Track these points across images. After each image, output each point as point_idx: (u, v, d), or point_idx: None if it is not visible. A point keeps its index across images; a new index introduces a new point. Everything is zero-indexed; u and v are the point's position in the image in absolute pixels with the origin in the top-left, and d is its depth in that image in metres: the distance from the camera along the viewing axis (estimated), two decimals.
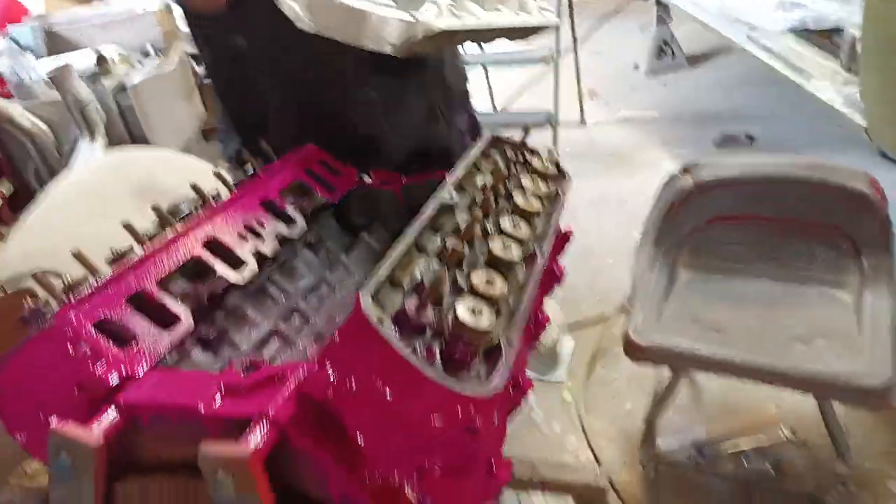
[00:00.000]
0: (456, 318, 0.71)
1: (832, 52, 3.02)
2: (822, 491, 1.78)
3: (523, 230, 0.92)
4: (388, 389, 0.70)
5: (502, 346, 0.77)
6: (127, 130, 3.48)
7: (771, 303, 1.90)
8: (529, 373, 2.75)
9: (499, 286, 0.77)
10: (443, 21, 1.01)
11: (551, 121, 3.98)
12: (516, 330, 0.82)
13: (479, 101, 4.97)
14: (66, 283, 0.87)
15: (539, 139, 1.21)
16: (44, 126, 3.31)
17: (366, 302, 0.71)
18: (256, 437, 0.66)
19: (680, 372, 1.88)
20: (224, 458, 0.64)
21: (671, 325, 1.86)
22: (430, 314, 0.76)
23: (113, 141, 3.41)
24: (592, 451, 2.22)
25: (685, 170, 2.03)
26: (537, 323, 1.04)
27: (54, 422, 0.74)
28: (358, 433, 0.72)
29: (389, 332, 0.69)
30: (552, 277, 1.17)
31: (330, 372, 0.72)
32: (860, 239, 1.89)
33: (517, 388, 0.88)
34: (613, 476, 2.01)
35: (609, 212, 3.58)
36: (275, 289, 1.10)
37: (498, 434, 0.84)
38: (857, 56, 2.72)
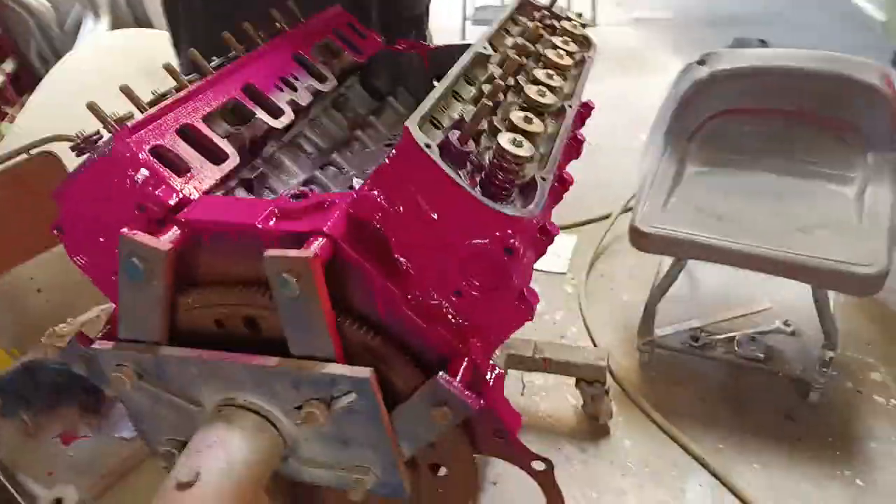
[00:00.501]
0: (499, 145, 0.75)
1: None
2: (808, 375, 1.88)
3: (556, 80, 0.95)
4: (433, 210, 0.75)
5: (537, 181, 0.81)
6: (130, 9, 3.39)
7: (775, 195, 1.95)
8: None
9: (537, 124, 0.81)
10: None
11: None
12: (550, 170, 0.87)
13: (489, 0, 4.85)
14: (115, 115, 0.90)
15: None
16: (45, 1, 3.22)
17: (414, 129, 0.75)
18: (316, 245, 0.72)
19: (680, 260, 1.94)
20: (289, 258, 0.70)
21: (675, 215, 1.91)
22: (471, 147, 0.80)
23: (116, 21, 3.33)
24: (591, 338, 2.32)
25: (701, 60, 2.03)
26: (562, 181, 1.08)
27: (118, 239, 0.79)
28: (403, 253, 0.78)
29: (436, 155, 0.74)
30: (577, 144, 1.21)
31: (378, 195, 0.76)
32: (869, 133, 1.92)
33: (545, 234, 0.93)
34: (611, 361, 2.12)
35: (617, 113, 3.57)
36: (307, 142, 1.14)
37: (527, 272, 0.90)
38: None
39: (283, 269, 0.71)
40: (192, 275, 0.84)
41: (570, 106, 1.01)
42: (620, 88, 3.81)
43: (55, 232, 0.90)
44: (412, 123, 0.76)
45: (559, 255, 2.80)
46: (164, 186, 0.82)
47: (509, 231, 0.74)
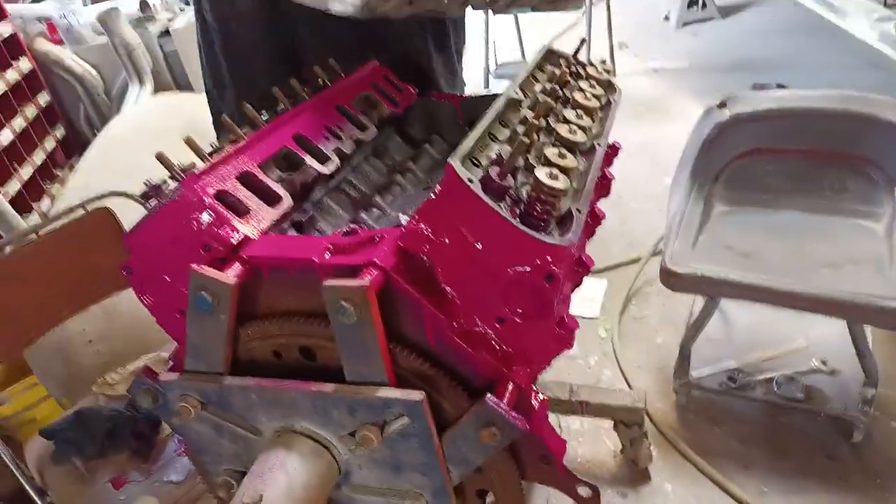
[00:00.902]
0: (537, 178, 0.81)
1: None
2: (850, 414, 1.85)
3: (586, 120, 1.01)
4: (476, 241, 0.80)
5: (573, 213, 0.86)
6: (171, 75, 3.58)
7: (803, 232, 1.97)
8: None
9: (570, 159, 0.87)
10: None
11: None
12: (584, 204, 0.92)
13: (509, 49, 5.01)
14: (180, 165, 0.97)
15: None
16: (92, 70, 3.43)
17: (457, 164, 0.81)
18: (369, 277, 0.77)
19: (713, 299, 1.96)
20: (346, 287, 0.75)
21: (705, 254, 1.94)
22: (509, 182, 0.86)
23: (159, 86, 3.52)
24: (627, 381, 2.31)
25: (722, 103, 2.09)
26: (594, 217, 1.13)
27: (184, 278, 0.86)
28: (449, 283, 0.83)
29: (478, 189, 0.79)
30: (606, 182, 1.26)
31: (425, 228, 0.82)
32: (893, 170, 1.95)
33: (580, 265, 0.97)
34: (647, 404, 2.11)
35: (640, 161, 3.64)
36: (351, 187, 1.21)
37: (566, 300, 0.95)
38: None
39: (341, 298, 0.76)
40: (253, 309, 0.90)
41: (599, 145, 1.07)
42: (642, 136, 3.89)
43: (123, 272, 0.97)
44: (455, 160, 0.82)
45: (591, 299, 2.83)
46: (227, 227, 0.89)
47: (549, 258, 0.79)
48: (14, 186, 2.96)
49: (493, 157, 0.92)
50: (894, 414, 1.97)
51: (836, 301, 1.67)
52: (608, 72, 1.23)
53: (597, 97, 1.11)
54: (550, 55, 1.32)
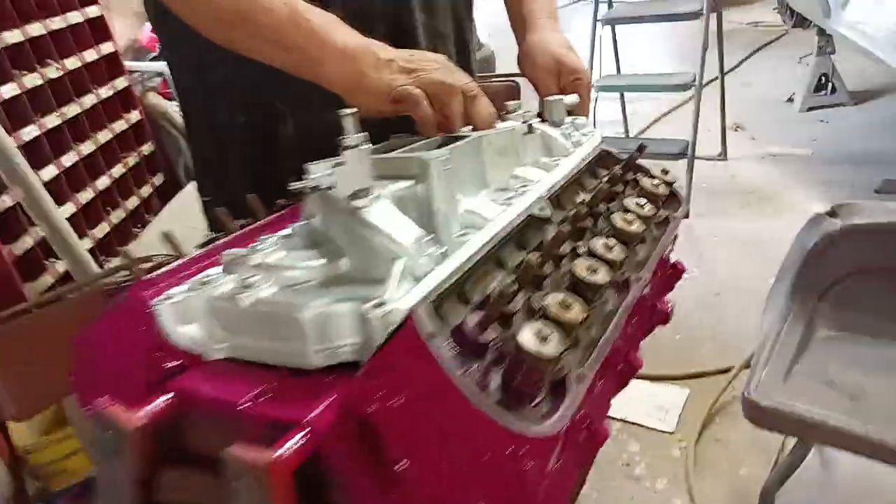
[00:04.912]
0: (517, 343, 0.62)
1: None
2: None
3: (616, 253, 0.81)
4: (432, 412, 0.62)
5: (569, 382, 0.67)
6: None
7: None
8: (636, 417, 2.57)
9: (575, 311, 0.68)
10: None
11: (688, 151, 3.75)
12: (592, 365, 0.72)
13: (613, 127, 4.81)
14: (153, 262, 0.87)
15: (674, 172, 1.09)
16: None
17: (421, 314, 0.64)
18: (288, 446, 0.61)
19: (807, 442, 1.65)
20: (245, 461, 0.60)
21: (799, 388, 1.64)
22: (493, 334, 0.68)
23: None
24: None
25: (832, 212, 1.80)
26: (629, 364, 0.92)
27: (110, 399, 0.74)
28: (398, 456, 0.66)
29: (440, 347, 0.62)
30: (655, 315, 1.05)
31: (375, 385, 0.66)
32: None
33: (590, 436, 0.77)
34: None
35: (744, 254, 3.30)
36: None
37: (562, 485, 0.74)
38: None
39: (240, 470, 0.60)
40: (187, 446, 0.76)
41: (639, 278, 0.87)
42: (749, 228, 3.54)
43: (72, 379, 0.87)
44: (422, 306, 0.65)
45: (666, 410, 2.52)
46: (162, 350, 0.77)
47: (517, 449, 0.60)
48: (103, 230, 3.07)
49: (493, 292, 0.74)
50: None
51: None
52: (670, 184, 1.03)
53: (644, 219, 0.91)
54: (603, 157, 1.13)
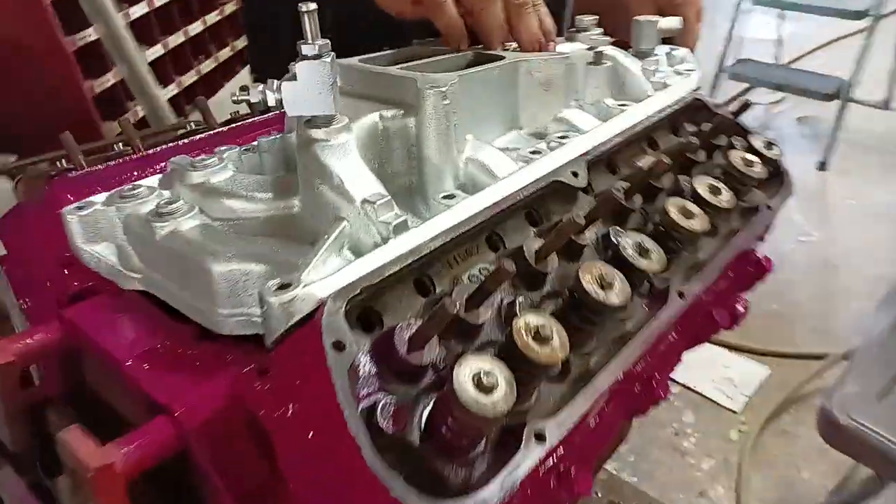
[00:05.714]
0: (451, 383, 0.44)
1: None
2: None
3: (654, 259, 0.59)
4: (323, 440, 0.46)
5: (521, 441, 0.48)
6: None
7: None
8: (700, 386, 2.33)
9: (556, 343, 0.48)
10: None
11: (842, 93, 3.17)
12: (574, 411, 0.52)
13: (763, 48, 4.17)
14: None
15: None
16: None
17: (330, 308, 0.47)
18: (135, 445, 0.48)
19: (885, 477, 1.40)
20: (75, 456, 0.47)
21: (893, 412, 1.36)
22: (432, 355, 0.49)
23: None
24: None
25: None
26: (648, 388, 0.71)
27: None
28: (289, 474, 0.51)
29: (339, 364, 0.45)
30: (711, 322, 0.81)
31: (270, 383, 0.50)
32: None
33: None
34: None
35: (878, 226, 2.83)
36: None
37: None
38: None
39: (71, 463, 0.47)
40: (81, 382, 0.65)
41: (682, 295, 0.64)
42: (891, 197, 3.04)
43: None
44: (337, 300, 0.47)
45: (737, 385, 2.27)
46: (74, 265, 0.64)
47: None
48: (191, 78, 3.02)
49: (457, 290, 0.54)
50: None
51: None
52: (771, 160, 0.76)
53: (716, 209, 0.67)
54: (696, 109, 0.86)
